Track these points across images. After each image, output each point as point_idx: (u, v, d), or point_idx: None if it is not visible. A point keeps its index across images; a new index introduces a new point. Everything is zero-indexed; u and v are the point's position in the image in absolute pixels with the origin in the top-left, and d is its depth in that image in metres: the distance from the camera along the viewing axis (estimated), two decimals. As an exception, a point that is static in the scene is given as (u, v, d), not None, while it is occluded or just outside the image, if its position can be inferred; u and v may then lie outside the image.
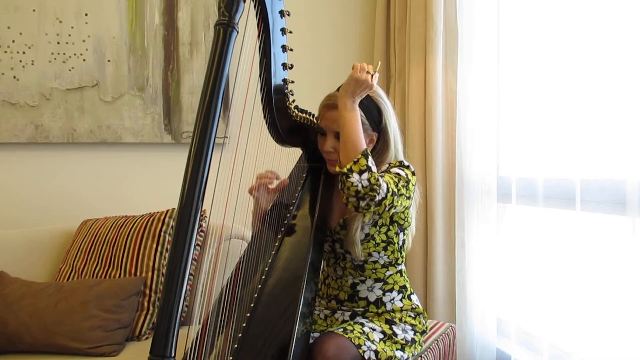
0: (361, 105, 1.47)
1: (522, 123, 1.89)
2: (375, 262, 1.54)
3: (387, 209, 1.39)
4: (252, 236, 1.58)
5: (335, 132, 1.50)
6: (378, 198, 1.34)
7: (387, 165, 1.52)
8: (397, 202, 1.41)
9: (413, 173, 1.51)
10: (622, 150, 1.48)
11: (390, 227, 1.54)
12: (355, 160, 1.34)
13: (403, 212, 1.53)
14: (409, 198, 1.48)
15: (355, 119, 1.40)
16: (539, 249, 1.90)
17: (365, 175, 1.33)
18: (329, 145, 1.52)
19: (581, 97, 1.61)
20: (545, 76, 1.78)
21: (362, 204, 1.35)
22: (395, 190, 1.39)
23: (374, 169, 1.36)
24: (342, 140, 1.40)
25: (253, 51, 1.34)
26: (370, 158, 1.37)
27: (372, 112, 1.51)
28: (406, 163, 1.52)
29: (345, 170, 1.34)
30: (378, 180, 1.34)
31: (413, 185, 1.49)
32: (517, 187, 1.87)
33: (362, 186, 1.32)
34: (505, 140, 2.01)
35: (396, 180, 1.42)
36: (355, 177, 1.33)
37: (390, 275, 1.57)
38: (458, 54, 2.12)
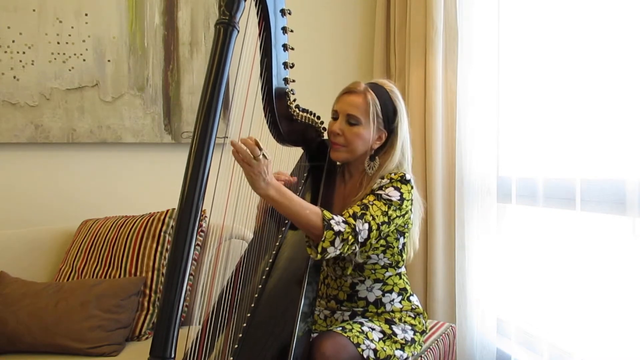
0: (379, 98, 1.50)
1: (522, 123, 1.89)
2: (374, 263, 1.54)
3: (376, 241, 1.44)
4: (254, 233, 1.57)
5: (348, 114, 1.50)
6: (361, 241, 1.37)
7: (387, 181, 1.48)
8: (387, 229, 1.44)
9: (412, 187, 1.50)
10: (622, 150, 1.48)
11: (390, 233, 1.53)
12: (322, 238, 1.31)
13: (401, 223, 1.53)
14: (403, 216, 1.48)
15: (281, 196, 1.31)
16: (539, 249, 1.90)
17: (337, 241, 1.33)
18: (337, 126, 1.51)
19: (581, 97, 1.61)
20: (545, 76, 1.79)
21: (349, 253, 1.39)
22: (380, 224, 1.40)
23: (341, 226, 1.34)
24: (292, 220, 1.36)
25: (254, 50, 1.33)
26: (333, 220, 1.34)
27: (388, 110, 1.52)
28: (407, 177, 1.50)
29: (319, 256, 1.33)
30: (352, 230, 1.35)
31: (409, 201, 1.48)
32: (517, 187, 1.88)
33: (340, 250, 1.35)
34: (505, 140, 2.01)
35: (385, 209, 1.42)
36: (331, 251, 1.33)
37: (390, 276, 1.57)
38: (458, 54, 2.13)
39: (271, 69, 1.38)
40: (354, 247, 1.37)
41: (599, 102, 1.59)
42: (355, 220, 1.36)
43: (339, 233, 1.33)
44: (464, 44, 2.10)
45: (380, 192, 1.46)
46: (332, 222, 1.33)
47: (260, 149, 1.24)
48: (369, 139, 1.51)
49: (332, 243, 1.32)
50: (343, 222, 1.35)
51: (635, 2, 1.44)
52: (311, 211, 1.33)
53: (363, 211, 1.39)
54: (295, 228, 1.52)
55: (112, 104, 2.45)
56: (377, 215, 1.40)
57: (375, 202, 1.43)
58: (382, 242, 1.51)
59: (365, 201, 1.43)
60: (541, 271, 1.88)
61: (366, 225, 1.37)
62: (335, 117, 1.54)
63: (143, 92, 2.48)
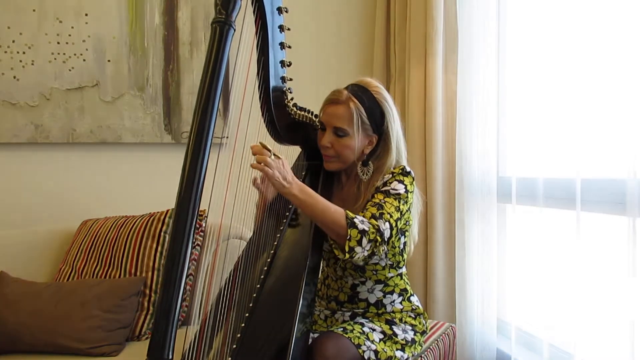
0: (363, 104, 1.48)
1: (522, 123, 1.89)
2: (376, 263, 1.53)
3: (395, 239, 1.43)
4: (253, 232, 1.57)
5: (334, 127, 1.49)
6: (386, 239, 1.36)
7: (390, 176, 1.48)
8: (400, 224, 1.44)
9: (413, 179, 1.51)
10: (622, 150, 1.48)
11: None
12: (348, 237, 1.32)
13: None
14: (409, 209, 1.48)
15: (306, 195, 1.34)
16: (539, 249, 1.89)
17: (365, 242, 1.33)
18: (327, 140, 1.51)
19: (581, 97, 1.61)
20: (545, 76, 1.78)
21: (378, 254, 1.39)
22: (396, 220, 1.40)
23: (365, 225, 1.34)
24: (316, 222, 1.37)
25: (251, 49, 1.33)
26: (356, 219, 1.34)
27: (375, 114, 1.50)
28: (408, 169, 1.51)
29: (347, 256, 1.33)
30: (377, 231, 1.34)
31: (412, 192, 1.48)
32: (517, 187, 1.87)
33: (368, 251, 1.35)
34: (505, 140, 2.01)
35: (397, 204, 1.42)
36: (359, 251, 1.33)
37: (391, 277, 1.57)
38: (458, 54, 2.12)
39: (268, 68, 1.37)
40: (382, 248, 1.37)
41: (599, 102, 1.59)
42: (376, 221, 1.36)
43: (364, 232, 1.33)
44: (464, 44, 2.10)
45: (386, 188, 1.46)
46: (356, 220, 1.33)
47: (269, 150, 1.27)
48: (359, 146, 1.51)
49: (359, 242, 1.32)
50: (367, 221, 1.36)
51: (635, 2, 1.44)
52: (335, 210, 1.34)
53: (380, 211, 1.39)
54: (294, 227, 1.51)
55: (112, 104, 2.45)
56: (392, 213, 1.40)
57: (386, 199, 1.43)
58: None
59: (376, 200, 1.43)
60: (541, 271, 1.88)
61: (387, 224, 1.37)
62: (323, 127, 1.53)
63: (143, 92, 2.48)
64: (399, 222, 1.42)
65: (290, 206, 1.57)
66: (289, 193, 1.32)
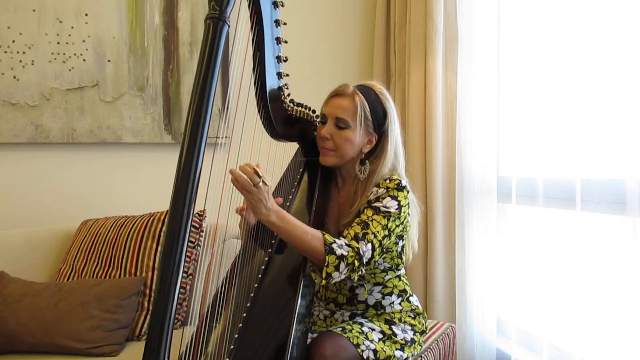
0: (368, 99, 1.47)
1: (522, 123, 1.89)
2: (374, 267, 1.53)
3: (380, 257, 1.41)
4: (243, 243, 1.56)
5: (337, 117, 1.48)
6: (365, 262, 1.34)
7: (384, 191, 1.45)
8: (388, 241, 1.42)
9: (408, 192, 1.47)
10: (622, 150, 1.48)
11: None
12: (326, 264, 1.30)
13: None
14: (402, 223, 1.46)
15: (283, 222, 1.30)
16: (539, 249, 1.90)
17: (342, 266, 1.31)
18: (326, 131, 1.49)
19: (581, 97, 1.61)
20: (545, 76, 1.78)
21: (356, 277, 1.36)
22: (382, 239, 1.38)
23: (344, 249, 1.31)
24: (294, 245, 1.33)
25: (246, 44, 1.31)
26: (335, 244, 1.32)
27: (377, 111, 1.49)
28: (403, 183, 1.47)
29: (324, 282, 1.31)
30: (357, 254, 1.32)
31: (406, 206, 1.46)
32: (517, 187, 1.87)
33: (345, 275, 1.33)
34: (505, 140, 2.01)
35: (385, 222, 1.40)
36: (335, 277, 1.32)
37: (390, 279, 1.57)
38: (458, 54, 2.12)
39: (264, 63, 1.35)
40: (360, 271, 1.35)
41: (599, 102, 1.59)
42: (358, 243, 1.34)
43: (342, 257, 1.31)
44: (464, 44, 2.10)
45: (377, 204, 1.43)
46: (334, 246, 1.31)
47: (260, 176, 1.23)
48: (359, 142, 1.49)
49: (337, 268, 1.31)
50: (346, 244, 1.33)
51: (635, 2, 1.44)
52: (313, 236, 1.31)
53: (364, 230, 1.37)
54: None
55: (112, 104, 2.45)
56: (378, 232, 1.38)
57: (374, 217, 1.40)
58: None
59: (364, 217, 1.41)
60: (541, 271, 1.88)
61: (369, 245, 1.35)
62: (323, 121, 1.52)
63: (143, 92, 2.48)
64: (385, 240, 1.40)
65: (287, 204, 1.55)
66: (267, 220, 1.29)
